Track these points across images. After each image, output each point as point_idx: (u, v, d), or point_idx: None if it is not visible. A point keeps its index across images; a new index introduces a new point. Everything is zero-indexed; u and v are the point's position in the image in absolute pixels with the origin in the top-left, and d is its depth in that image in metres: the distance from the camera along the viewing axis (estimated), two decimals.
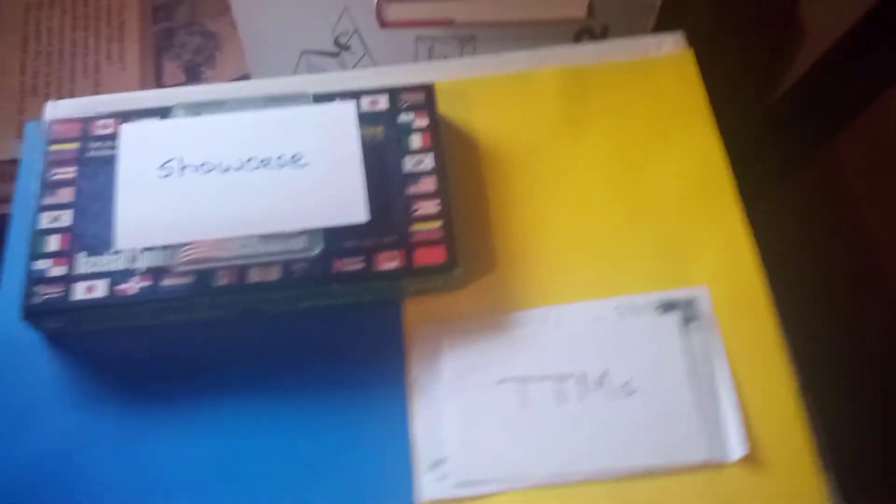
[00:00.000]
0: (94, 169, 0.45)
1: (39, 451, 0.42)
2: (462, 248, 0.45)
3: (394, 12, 0.52)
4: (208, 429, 0.42)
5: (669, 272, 0.45)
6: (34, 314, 0.42)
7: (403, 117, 0.47)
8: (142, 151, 0.43)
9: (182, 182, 0.42)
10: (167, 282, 0.42)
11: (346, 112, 0.44)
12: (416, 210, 0.44)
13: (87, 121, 0.47)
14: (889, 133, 0.66)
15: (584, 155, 0.49)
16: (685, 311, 0.44)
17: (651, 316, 0.44)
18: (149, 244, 0.42)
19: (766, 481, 0.41)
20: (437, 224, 0.44)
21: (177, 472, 0.41)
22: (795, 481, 0.41)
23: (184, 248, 0.42)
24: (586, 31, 0.57)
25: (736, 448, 0.41)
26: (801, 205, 0.77)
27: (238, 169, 0.43)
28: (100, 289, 0.42)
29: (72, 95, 0.76)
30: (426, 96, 0.47)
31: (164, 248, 0.43)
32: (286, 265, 0.43)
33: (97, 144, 0.46)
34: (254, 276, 0.43)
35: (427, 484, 0.41)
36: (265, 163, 0.43)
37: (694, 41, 0.52)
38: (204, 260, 0.42)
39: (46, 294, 0.42)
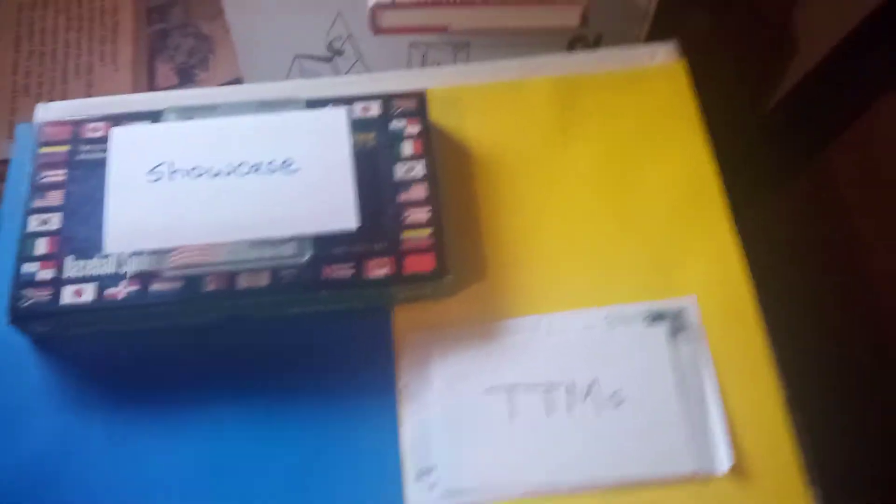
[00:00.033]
0: (85, 172, 0.45)
1: (26, 456, 0.41)
2: (453, 255, 0.45)
3: (387, 19, 0.52)
4: (196, 434, 0.42)
5: (659, 282, 0.45)
6: (21, 318, 0.42)
7: (395, 124, 0.47)
8: (132, 155, 0.43)
9: (172, 186, 0.42)
10: (156, 287, 0.42)
11: (337, 118, 0.44)
12: (406, 217, 0.44)
13: (78, 123, 0.46)
14: (882, 144, 0.66)
15: (575, 163, 0.49)
16: (674, 321, 0.44)
17: (640, 326, 0.44)
18: (138, 248, 0.42)
19: (753, 493, 0.41)
20: (427, 232, 0.44)
21: (163, 478, 0.41)
22: (783, 493, 0.41)
23: (173, 253, 0.42)
24: (580, 40, 0.57)
25: (723, 460, 0.41)
26: (792, 215, 0.78)
27: (229, 174, 0.43)
28: (88, 293, 0.42)
29: (64, 96, 0.76)
30: (418, 103, 0.47)
31: (153, 252, 0.42)
32: (275, 271, 0.43)
33: (88, 147, 0.46)
34: (243, 282, 0.42)
35: (415, 493, 0.41)
36: (256, 168, 0.43)
37: (687, 50, 0.52)
38: (193, 265, 0.42)
39: (34, 298, 0.42)
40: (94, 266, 0.43)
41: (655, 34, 0.57)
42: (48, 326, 0.43)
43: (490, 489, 0.41)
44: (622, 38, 0.57)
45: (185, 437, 0.42)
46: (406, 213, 0.44)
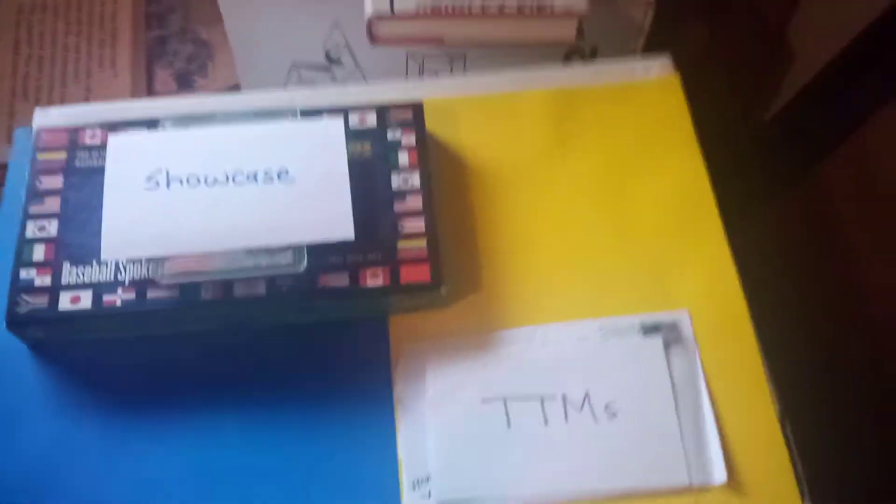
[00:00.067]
0: (82, 179, 0.45)
1: (22, 461, 0.41)
2: (448, 266, 0.45)
3: (384, 29, 0.52)
4: (192, 443, 0.42)
5: (653, 294, 0.46)
6: (19, 323, 0.42)
7: (392, 134, 0.47)
8: (129, 163, 0.43)
9: (169, 195, 0.42)
10: (152, 294, 0.42)
11: (334, 128, 0.45)
12: (402, 227, 0.44)
13: (76, 130, 0.47)
14: (878, 157, 0.66)
15: (570, 175, 0.49)
16: (667, 333, 0.44)
17: (634, 338, 0.44)
18: (134, 256, 0.42)
19: None
20: (422, 242, 0.44)
21: (159, 485, 0.41)
22: None
23: (169, 261, 0.42)
24: (575, 52, 0.58)
25: (718, 473, 0.41)
26: (787, 228, 0.78)
27: (225, 183, 0.43)
28: (85, 299, 0.42)
29: (62, 100, 0.76)
30: (414, 114, 0.48)
31: (150, 260, 0.43)
32: (272, 280, 0.43)
33: (85, 154, 0.46)
34: (239, 291, 0.43)
35: (411, 502, 0.41)
36: (252, 177, 0.43)
37: (683, 63, 0.52)
38: (189, 273, 0.42)
39: (32, 304, 0.42)
40: (91, 273, 0.43)
41: (652, 47, 0.57)
42: (45, 332, 0.43)
43: (485, 499, 0.41)
44: (618, 50, 0.57)
45: (181, 444, 0.42)
46: (402, 224, 0.45)
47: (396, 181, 0.46)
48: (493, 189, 0.49)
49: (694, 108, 0.51)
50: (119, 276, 0.43)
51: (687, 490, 0.41)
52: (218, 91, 0.76)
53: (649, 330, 0.45)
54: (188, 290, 0.42)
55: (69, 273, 0.43)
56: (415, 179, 0.46)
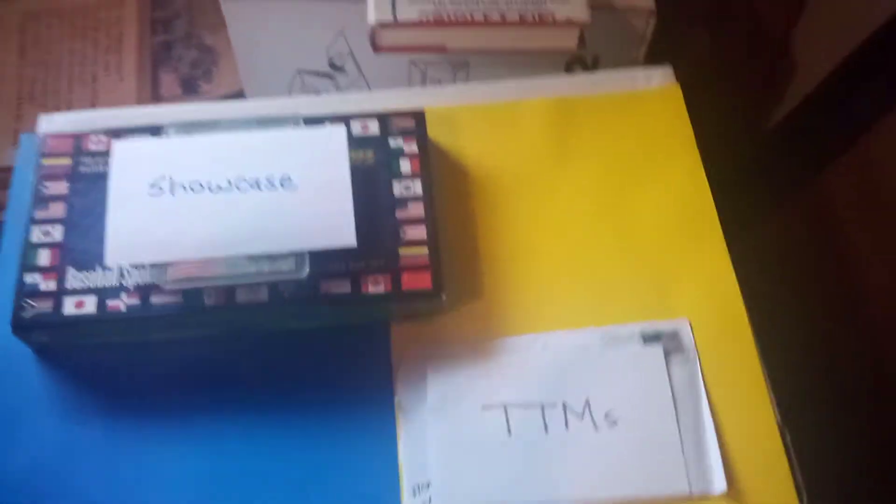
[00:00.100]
0: (86, 185, 0.46)
1: (25, 465, 0.42)
2: (449, 273, 0.45)
3: (387, 37, 0.52)
4: (195, 448, 0.42)
5: (654, 303, 0.46)
6: (24, 327, 0.42)
7: (394, 142, 0.47)
8: (133, 169, 0.43)
9: (172, 201, 0.43)
10: (156, 300, 0.43)
11: (336, 136, 0.45)
12: (403, 235, 0.45)
13: (80, 136, 0.47)
14: (881, 166, 0.66)
15: (571, 184, 0.49)
16: (668, 342, 0.45)
17: (635, 347, 0.44)
18: (138, 262, 0.43)
19: None
20: (424, 249, 0.44)
21: (162, 490, 0.41)
22: None
23: (172, 267, 0.43)
24: (577, 61, 0.58)
25: (717, 482, 0.41)
26: (789, 237, 0.78)
27: (228, 189, 0.43)
28: (89, 304, 0.43)
29: (68, 104, 0.76)
30: (417, 122, 0.48)
31: (153, 266, 0.43)
32: (274, 286, 0.43)
33: (89, 160, 0.46)
34: (241, 297, 0.43)
35: None
36: (255, 184, 0.43)
37: (685, 72, 0.53)
38: (192, 279, 0.43)
39: (37, 308, 0.42)
40: (96, 278, 0.43)
41: (654, 55, 0.58)
42: (50, 337, 0.44)
43: None
44: (620, 59, 0.58)
45: (183, 449, 0.42)
46: (403, 231, 0.45)
47: (398, 189, 0.46)
48: (494, 197, 0.49)
49: (697, 117, 0.51)
50: (123, 282, 0.43)
51: (687, 499, 0.41)
52: (222, 96, 0.76)
53: (650, 338, 0.45)
54: (191, 296, 0.43)
55: (74, 278, 0.43)
56: (416, 187, 0.46)
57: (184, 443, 0.42)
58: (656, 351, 0.44)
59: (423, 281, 0.44)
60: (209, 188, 0.43)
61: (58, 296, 0.43)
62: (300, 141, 0.45)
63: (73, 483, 0.41)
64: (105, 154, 0.46)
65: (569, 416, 0.43)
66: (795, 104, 0.74)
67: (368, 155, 0.47)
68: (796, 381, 0.48)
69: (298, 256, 0.43)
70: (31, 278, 0.43)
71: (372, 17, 0.52)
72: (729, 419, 0.43)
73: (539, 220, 0.48)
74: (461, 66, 0.57)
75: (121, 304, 0.43)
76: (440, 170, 0.49)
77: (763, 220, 0.79)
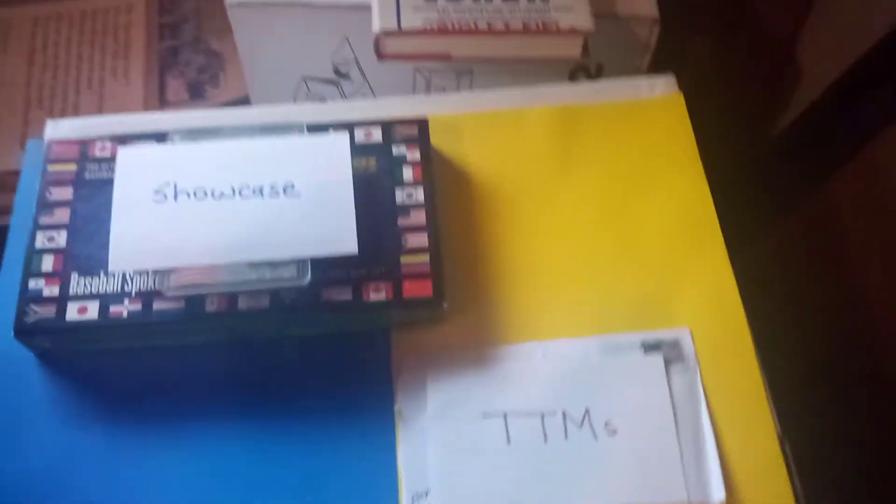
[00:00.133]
0: (91, 191, 0.46)
1: (27, 470, 0.42)
2: (451, 281, 0.45)
3: (391, 45, 0.53)
4: (196, 454, 0.42)
5: (655, 312, 0.46)
6: (26, 332, 0.43)
7: (396, 150, 0.47)
8: (137, 176, 0.44)
9: (176, 207, 0.43)
10: (158, 306, 0.43)
11: (339, 143, 0.45)
12: (405, 242, 0.45)
13: (86, 142, 0.47)
14: (887, 174, 0.66)
15: (573, 193, 0.49)
16: (668, 351, 0.45)
17: (635, 356, 0.44)
18: (141, 268, 0.43)
19: None
20: (425, 257, 0.45)
21: (162, 495, 0.42)
22: None
23: (175, 273, 0.43)
24: (581, 69, 0.58)
25: (716, 492, 0.41)
26: (792, 246, 0.78)
27: (231, 196, 0.43)
28: (92, 310, 0.43)
29: (76, 109, 0.77)
30: (419, 130, 0.48)
31: (156, 272, 0.43)
32: (276, 293, 0.43)
33: (94, 166, 0.47)
34: (243, 303, 0.43)
35: None
36: (258, 191, 0.43)
37: (689, 80, 0.53)
38: (194, 285, 0.43)
39: (39, 313, 0.43)
40: (99, 284, 0.43)
41: (658, 64, 0.58)
42: (52, 342, 0.44)
43: None
44: (623, 68, 0.58)
45: (184, 455, 0.42)
46: (405, 239, 0.45)
47: (400, 196, 0.46)
48: (496, 205, 0.49)
49: (700, 125, 0.51)
50: (126, 288, 0.43)
51: None
52: (229, 101, 0.77)
53: (650, 347, 0.45)
54: (193, 302, 0.43)
55: (77, 284, 0.43)
56: (419, 195, 0.46)
57: (184, 449, 0.43)
58: (657, 360, 0.44)
59: (424, 289, 0.44)
60: (213, 195, 0.43)
61: (61, 301, 0.43)
62: (303, 148, 0.45)
63: (74, 488, 0.42)
64: (110, 160, 0.46)
65: (568, 424, 0.43)
66: (800, 112, 0.73)
67: (371, 162, 0.47)
68: (797, 388, 0.48)
69: (300, 264, 0.43)
70: (34, 283, 0.43)
71: (376, 24, 0.52)
72: (729, 429, 0.43)
73: (541, 229, 0.48)
74: (465, 73, 0.57)
75: (123, 310, 0.43)
76: (443, 177, 0.49)
77: (766, 229, 0.79)
